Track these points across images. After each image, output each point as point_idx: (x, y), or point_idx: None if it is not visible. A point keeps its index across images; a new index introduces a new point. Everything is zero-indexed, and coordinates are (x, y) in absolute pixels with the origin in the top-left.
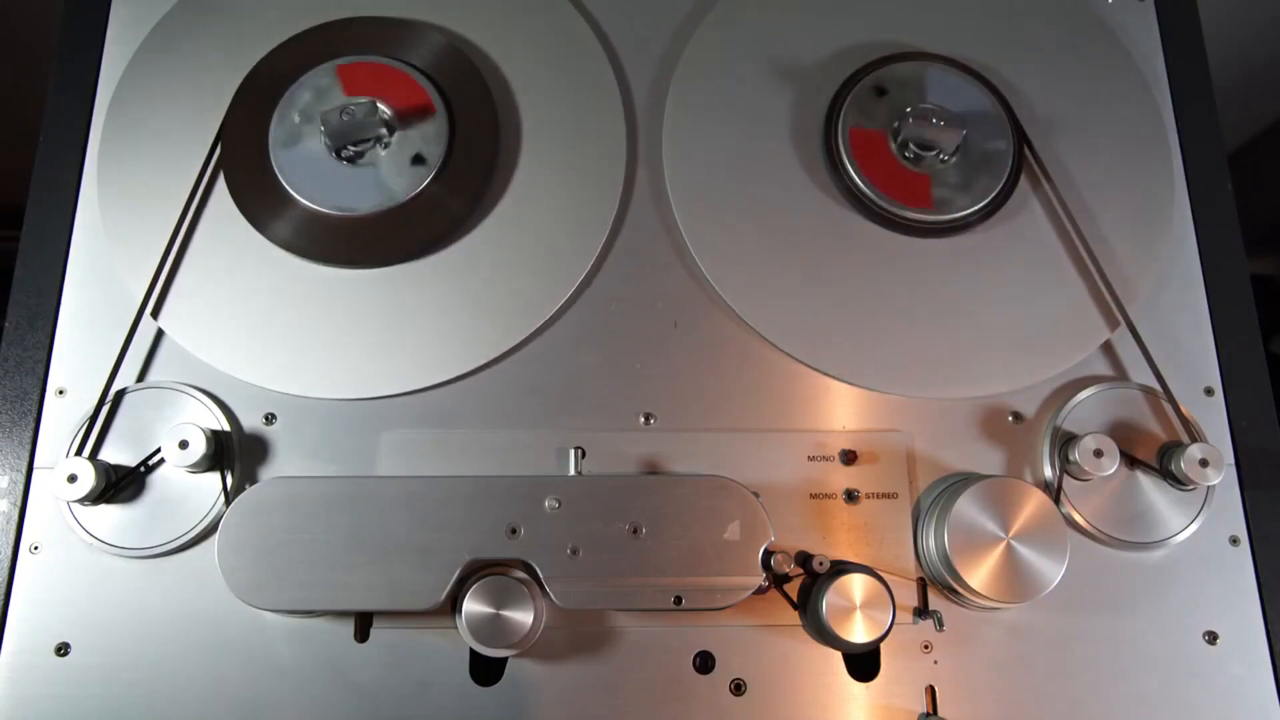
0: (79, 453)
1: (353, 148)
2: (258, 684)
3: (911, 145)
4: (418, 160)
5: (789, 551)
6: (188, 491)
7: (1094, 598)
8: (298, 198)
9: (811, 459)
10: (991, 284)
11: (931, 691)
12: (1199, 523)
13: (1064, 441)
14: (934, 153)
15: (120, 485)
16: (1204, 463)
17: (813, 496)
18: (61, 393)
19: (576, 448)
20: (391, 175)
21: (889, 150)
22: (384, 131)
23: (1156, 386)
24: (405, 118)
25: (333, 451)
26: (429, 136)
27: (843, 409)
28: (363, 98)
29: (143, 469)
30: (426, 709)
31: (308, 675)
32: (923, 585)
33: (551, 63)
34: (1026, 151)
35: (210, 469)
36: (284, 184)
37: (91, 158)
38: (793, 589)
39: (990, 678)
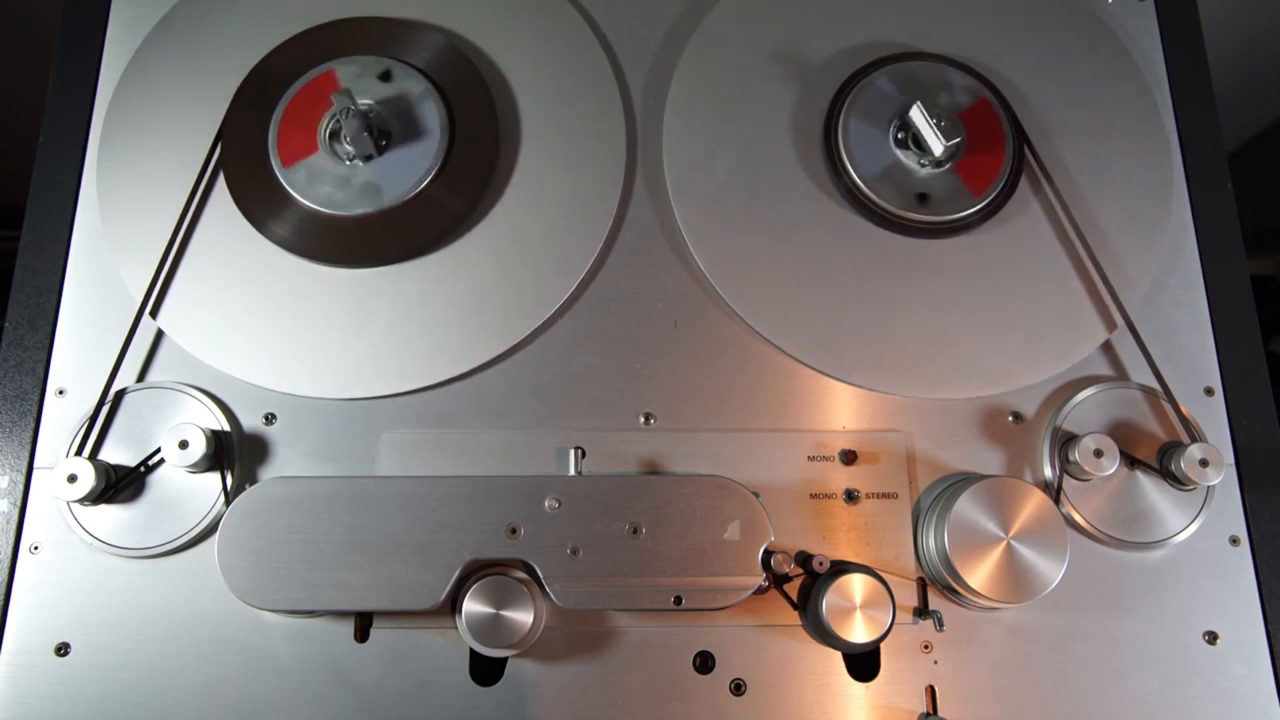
0: (79, 453)
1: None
2: (258, 684)
3: (911, 144)
4: (384, 77)
5: (789, 551)
6: (188, 491)
7: (1094, 598)
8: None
9: (811, 459)
10: (991, 284)
11: (931, 691)
12: (1199, 523)
13: (1064, 441)
14: (926, 153)
15: (120, 485)
16: (1204, 463)
17: (813, 496)
18: (61, 393)
19: (576, 448)
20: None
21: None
22: (374, 105)
23: (1156, 386)
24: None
25: (333, 451)
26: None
27: (843, 409)
28: (364, 102)
29: (143, 469)
30: (426, 709)
31: (308, 675)
32: (923, 585)
33: (551, 63)
34: (1027, 151)
35: (210, 469)
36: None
37: (91, 158)
38: (793, 589)
39: (990, 678)
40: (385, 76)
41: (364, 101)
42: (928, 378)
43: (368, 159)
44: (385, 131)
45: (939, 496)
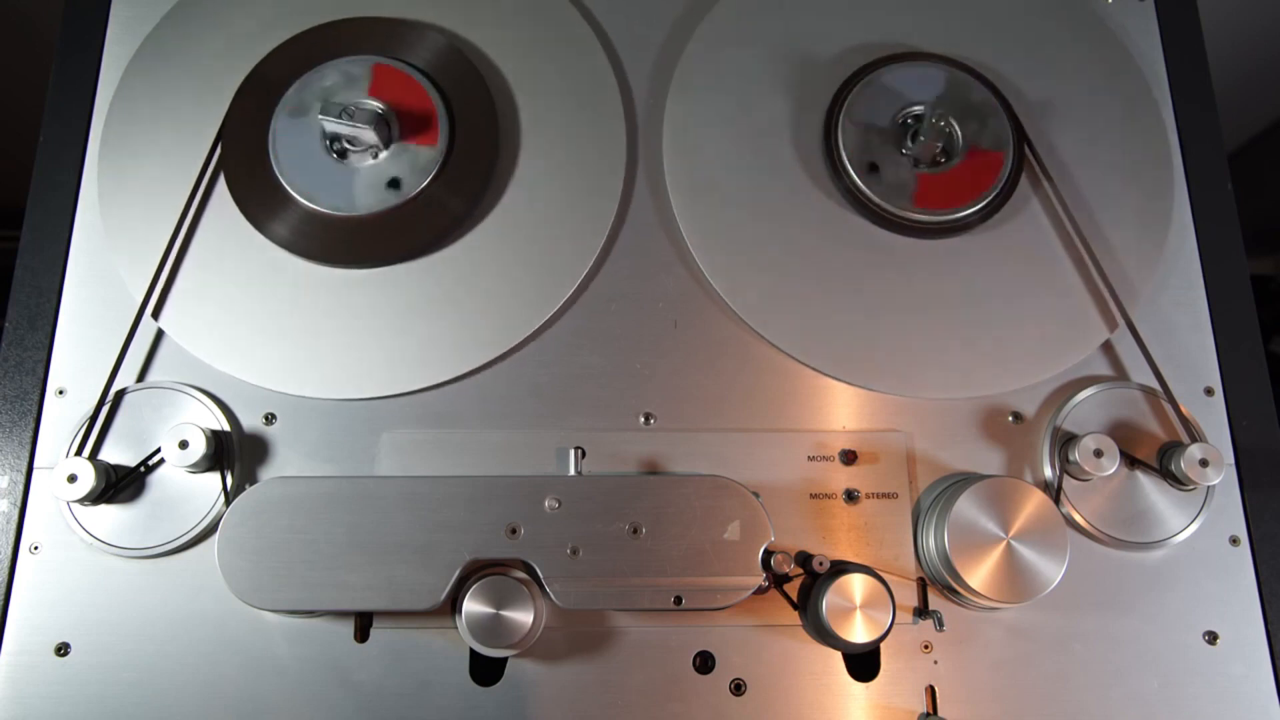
0: (79, 453)
1: (346, 144)
2: (258, 684)
3: (910, 144)
4: (393, 184)
5: (789, 551)
6: (188, 491)
7: (1094, 598)
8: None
9: (811, 459)
10: (991, 284)
11: (931, 691)
12: (1199, 523)
13: (1064, 441)
14: (932, 152)
15: (120, 485)
16: (1204, 463)
17: (813, 496)
18: (61, 393)
19: (576, 448)
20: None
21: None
22: (378, 144)
23: (1156, 386)
24: (405, 136)
25: (333, 451)
26: (418, 162)
27: (843, 409)
28: (373, 102)
29: (143, 469)
30: (426, 709)
31: (308, 675)
32: (923, 585)
33: (551, 63)
34: (1026, 151)
35: (210, 469)
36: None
37: (91, 158)
38: (793, 589)
39: (990, 678)
40: (393, 184)
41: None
42: (928, 378)
43: (372, 152)
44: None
45: (939, 496)
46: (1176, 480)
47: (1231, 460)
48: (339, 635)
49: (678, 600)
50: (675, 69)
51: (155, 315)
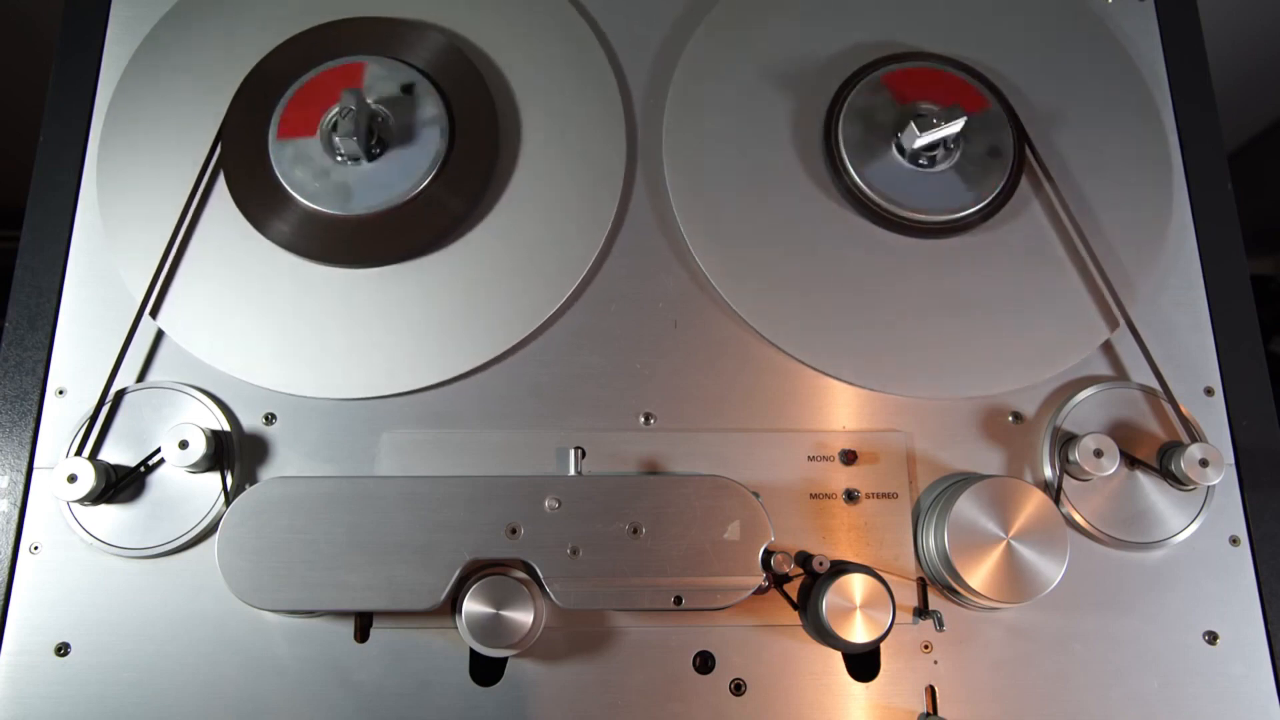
0: (79, 453)
1: (363, 149)
2: (258, 684)
3: (924, 156)
4: (407, 89)
5: (789, 551)
6: (188, 491)
7: (1094, 598)
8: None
9: (811, 459)
10: (991, 284)
11: (931, 691)
12: (1199, 523)
13: (1064, 441)
14: (940, 151)
15: (120, 485)
16: (1204, 463)
17: (813, 496)
18: (61, 393)
19: (576, 448)
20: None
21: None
22: (383, 109)
23: (1156, 386)
24: (380, 91)
25: (333, 451)
26: (403, 76)
27: (843, 409)
28: (334, 109)
29: (143, 469)
30: (426, 709)
31: (308, 675)
32: (923, 585)
33: (551, 63)
34: (1027, 151)
35: (210, 469)
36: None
37: (91, 158)
38: (793, 589)
39: (990, 678)
40: (407, 89)
41: (373, 104)
42: (928, 378)
43: (356, 160)
44: (383, 139)
45: (939, 496)
46: (1176, 480)
47: (1231, 460)
48: (339, 635)
49: (678, 600)
50: (675, 69)
51: (155, 315)
